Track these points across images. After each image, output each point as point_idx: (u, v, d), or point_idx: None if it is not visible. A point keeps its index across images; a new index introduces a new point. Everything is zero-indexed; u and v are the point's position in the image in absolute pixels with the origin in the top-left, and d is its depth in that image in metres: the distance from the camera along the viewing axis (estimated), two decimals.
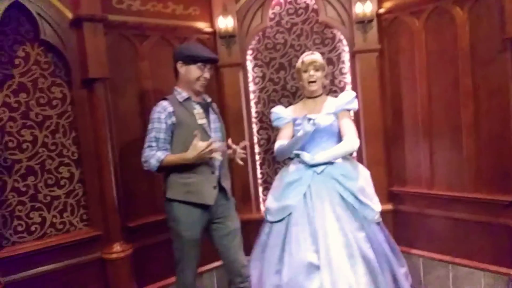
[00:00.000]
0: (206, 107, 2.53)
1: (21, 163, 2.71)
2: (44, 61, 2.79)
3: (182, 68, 2.49)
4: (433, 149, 3.30)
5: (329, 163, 2.70)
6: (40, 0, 2.69)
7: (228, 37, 3.49)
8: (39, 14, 2.69)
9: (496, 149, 2.96)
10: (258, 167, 3.75)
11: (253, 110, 3.73)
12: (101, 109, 2.88)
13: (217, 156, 2.44)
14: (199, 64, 2.44)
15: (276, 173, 3.71)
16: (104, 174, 2.91)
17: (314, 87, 2.75)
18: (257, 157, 3.73)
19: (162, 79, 3.31)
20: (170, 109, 2.43)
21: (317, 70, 2.74)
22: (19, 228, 2.71)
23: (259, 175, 3.76)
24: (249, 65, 3.69)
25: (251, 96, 3.71)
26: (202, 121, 2.45)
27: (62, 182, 2.86)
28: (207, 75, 2.47)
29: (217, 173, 2.46)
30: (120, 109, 3.09)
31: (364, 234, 2.57)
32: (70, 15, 2.80)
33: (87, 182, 2.92)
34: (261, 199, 3.77)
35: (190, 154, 2.32)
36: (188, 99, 2.49)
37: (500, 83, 2.88)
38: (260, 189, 3.78)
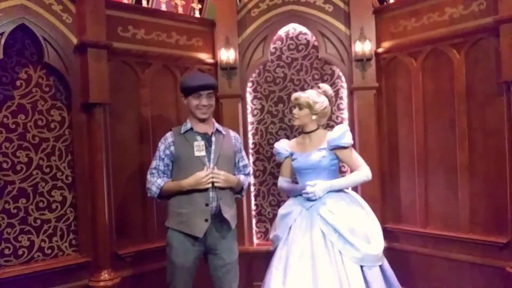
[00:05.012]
0: (208, 138, 2.53)
1: (13, 184, 2.68)
2: (45, 84, 2.81)
3: (185, 101, 2.56)
4: (428, 188, 3.31)
5: (319, 200, 2.65)
6: (46, 24, 2.74)
7: (229, 68, 3.55)
8: (44, 38, 2.73)
9: (491, 190, 2.98)
10: (252, 198, 3.73)
11: (250, 141, 3.74)
12: (99, 134, 2.88)
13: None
14: (194, 93, 2.49)
15: (271, 205, 3.71)
16: (97, 199, 2.87)
17: (296, 122, 2.77)
18: (252, 188, 3.71)
19: (162, 106, 3.35)
20: (170, 139, 2.51)
21: (300, 108, 2.71)
22: (6, 252, 2.64)
23: (253, 207, 3.73)
24: (249, 97, 3.74)
25: (249, 127, 3.73)
26: (200, 153, 2.45)
27: (53, 206, 2.82)
28: (204, 102, 2.49)
29: (212, 205, 2.44)
30: (118, 135, 3.10)
31: (336, 277, 2.41)
32: (75, 40, 2.85)
33: (79, 207, 2.89)
34: (254, 231, 3.73)
35: (186, 181, 2.39)
36: (190, 130, 2.52)
37: (495, 125, 2.92)
38: (254, 220, 3.74)
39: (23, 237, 2.70)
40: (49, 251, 2.80)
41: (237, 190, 2.63)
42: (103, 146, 2.90)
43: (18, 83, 2.71)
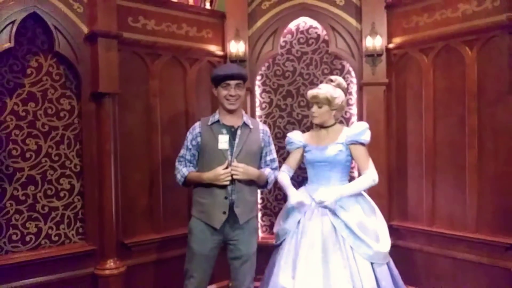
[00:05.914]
0: (234, 132, 2.53)
1: (22, 171, 2.71)
2: (56, 72, 2.83)
3: (215, 92, 2.57)
4: (435, 186, 3.29)
5: None
6: (57, 13, 2.75)
7: (239, 61, 3.53)
8: (55, 27, 2.75)
9: (500, 189, 2.95)
10: (258, 192, 3.72)
11: None
12: (108, 124, 2.89)
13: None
14: (222, 83, 2.49)
15: (276, 199, 3.71)
16: (105, 188, 2.90)
17: (316, 120, 2.75)
18: None
19: (170, 98, 3.35)
20: (197, 130, 2.57)
21: (319, 105, 2.69)
22: (14, 237, 2.68)
23: (259, 200, 3.74)
24: (257, 90, 3.73)
25: (257, 120, 3.72)
26: (223, 146, 2.47)
27: (61, 194, 2.85)
28: (232, 92, 2.49)
29: (230, 198, 2.47)
30: (126, 125, 3.11)
31: (348, 272, 2.43)
32: (85, 29, 2.86)
33: (86, 195, 2.91)
34: (259, 224, 3.73)
35: (206, 175, 2.46)
36: (217, 122, 2.54)
37: (506, 123, 2.89)
38: (259, 214, 3.74)
39: (31, 223, 2.74)
40: (56, 238, 2.83)
41: (260, 184, 2.64)
42: (111, 135, 2.92)
43: (28, 71, 2.73)
